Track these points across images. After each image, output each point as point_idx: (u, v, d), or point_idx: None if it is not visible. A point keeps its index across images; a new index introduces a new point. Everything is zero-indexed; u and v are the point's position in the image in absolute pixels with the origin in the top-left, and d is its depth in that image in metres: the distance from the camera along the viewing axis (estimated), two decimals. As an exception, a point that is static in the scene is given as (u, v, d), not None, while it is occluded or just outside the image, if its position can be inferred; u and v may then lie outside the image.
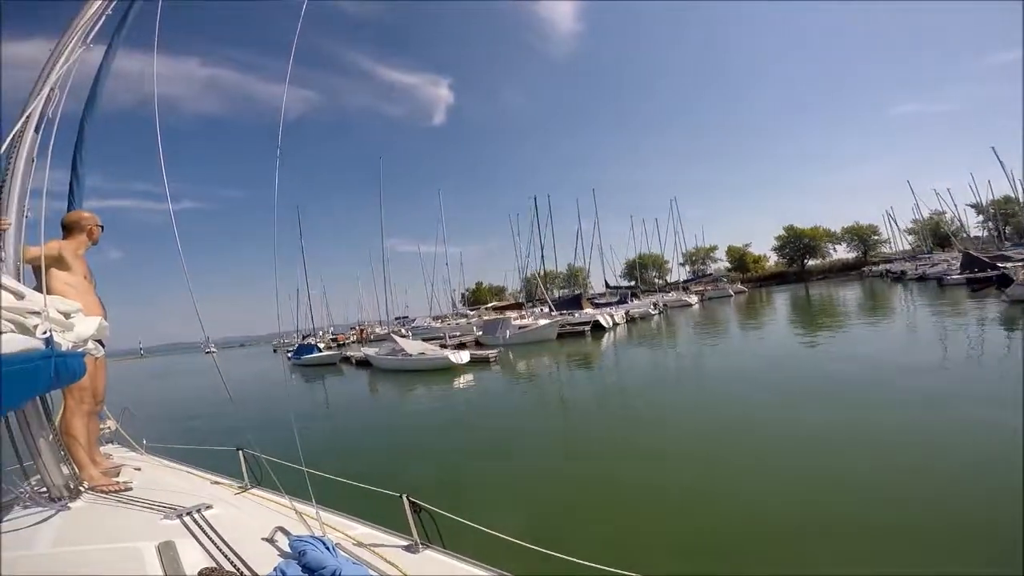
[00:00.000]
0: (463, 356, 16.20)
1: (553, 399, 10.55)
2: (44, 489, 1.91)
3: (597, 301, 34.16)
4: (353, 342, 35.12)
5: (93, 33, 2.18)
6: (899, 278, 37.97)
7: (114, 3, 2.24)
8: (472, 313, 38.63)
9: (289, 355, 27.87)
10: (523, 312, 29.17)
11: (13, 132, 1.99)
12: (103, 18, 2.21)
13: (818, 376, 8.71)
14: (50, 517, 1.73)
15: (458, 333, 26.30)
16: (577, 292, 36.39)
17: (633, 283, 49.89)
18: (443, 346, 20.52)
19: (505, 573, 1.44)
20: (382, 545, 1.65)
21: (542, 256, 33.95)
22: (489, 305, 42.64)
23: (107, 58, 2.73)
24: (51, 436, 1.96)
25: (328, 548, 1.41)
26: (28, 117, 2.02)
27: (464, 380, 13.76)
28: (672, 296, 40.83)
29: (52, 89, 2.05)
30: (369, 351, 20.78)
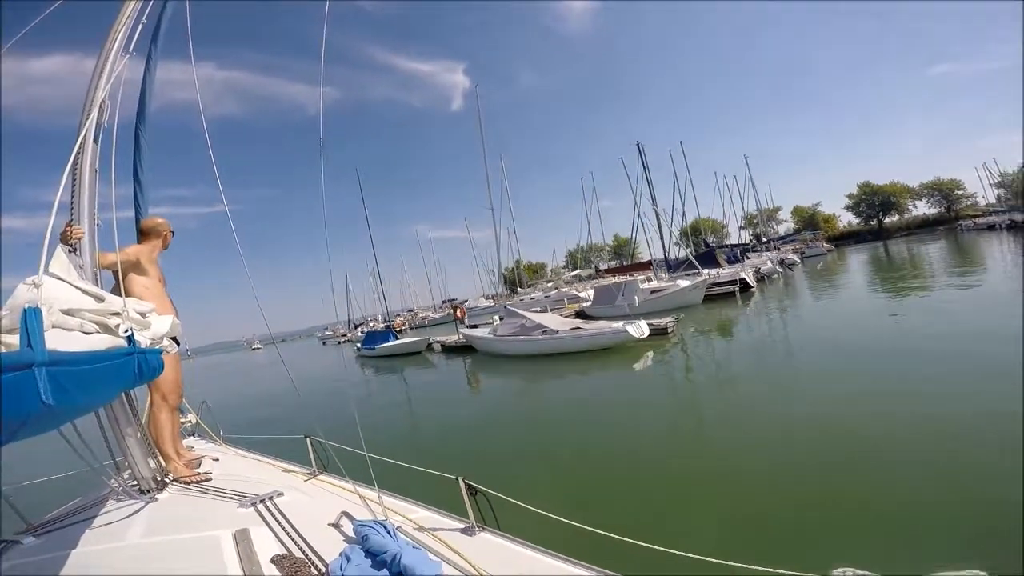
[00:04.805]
0: (643, 328, 11.62)
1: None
2: (135, 482, 2.05)
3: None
4: (408, 328, 36.04)
5: (134, 42, 2.23)
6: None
7: (149, 8, 2.29)
8: (549, 285, 36.57)
9: (358, 346, 25.14)
10: (650, 273, 23.96)
11: (77, 144, 2.05)
12: (140, 26, 2.25)
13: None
14: (140, 509, 1.83)
15: (537, 309, 19.45)
16: (711, 246, 32.28)
17: (690, 249, 47.38)
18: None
19: (558, 554, 1.44)
20: (440, 528, 1.69)
21: (654, 205, 28.27)
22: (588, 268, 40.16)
23: (148, 66, 2.83)
24: (138, 431, 2.08)
25: (389, 532, 1.43)
26: (87, 129, 2.09)
27: (645, 363, 9.71)
28: (774, 254, 38.60)
29: (104, 100, 2.12)
30: (476, 333, 16.27)
